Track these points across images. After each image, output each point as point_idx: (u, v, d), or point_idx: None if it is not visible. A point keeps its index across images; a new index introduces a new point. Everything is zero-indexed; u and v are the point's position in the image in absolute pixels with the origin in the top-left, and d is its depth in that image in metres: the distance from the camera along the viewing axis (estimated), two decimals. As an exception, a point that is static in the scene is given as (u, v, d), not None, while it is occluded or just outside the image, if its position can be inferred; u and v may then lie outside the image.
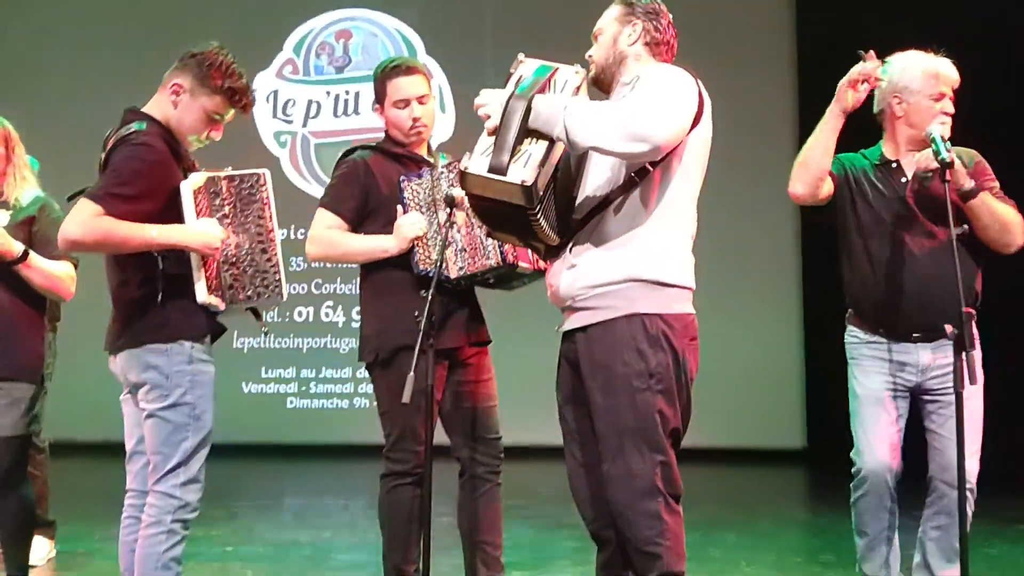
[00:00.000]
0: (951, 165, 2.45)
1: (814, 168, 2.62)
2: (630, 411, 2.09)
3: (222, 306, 2.32)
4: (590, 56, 2.27)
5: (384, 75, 2.78)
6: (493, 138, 2.06)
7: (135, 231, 2.24)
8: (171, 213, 2.30)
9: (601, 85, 2.26)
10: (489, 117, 2.09)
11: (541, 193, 2.06)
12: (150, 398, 2.30)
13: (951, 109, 2.65)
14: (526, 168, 2.03)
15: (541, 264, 2.59)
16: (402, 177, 2.72)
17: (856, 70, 2.59)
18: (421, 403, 2.41)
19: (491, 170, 2.04)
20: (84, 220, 2.20)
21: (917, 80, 2.62)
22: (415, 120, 2.75)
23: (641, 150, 2.01)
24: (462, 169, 2.10)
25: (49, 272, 2.74)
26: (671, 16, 2.28)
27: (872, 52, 2.59)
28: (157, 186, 2.28)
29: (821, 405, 6.12)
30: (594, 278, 2.14)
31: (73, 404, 5.58)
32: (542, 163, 2.05)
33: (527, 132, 2.05)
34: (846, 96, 2.59)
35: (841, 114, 2.61)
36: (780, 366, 6.43)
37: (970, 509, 2.52)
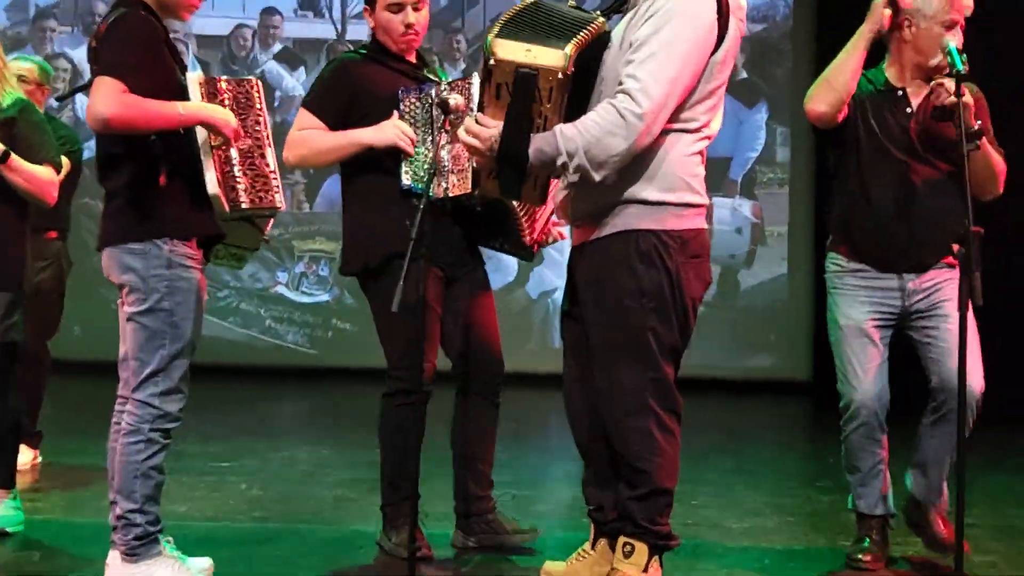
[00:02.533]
0: (967, 77, 2.36)
1: (840, 89, 2.53)
2: (621, 328, 2.06)
3: (226, 206, 2.25)
4: None
5: None
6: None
7: (164, 107, 2.16)
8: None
9: None
10: (478, 151, 2.03)
11: None
12: (129, 300, 2.26)
13: (960, 38, 2.52)
14: (536, 191, 2.12)
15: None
16: (401, 89, 2.61)
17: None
18: (419, 315, 2.35)
19: (504, 196, 2.19)
20: (112, 97, 2.08)
21: (932, 4, 2.50)
22: (408, 26, 2.62)
23: (646, 140, 1.99)
24: (471, 192, 2.29)
25: (31, 174, 2.68)
26: None
27: None
28: (161, 65, 2.20)
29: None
30: (592, 198, 2.09)
31: (86, 322, 5.61)
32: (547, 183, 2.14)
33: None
34: (881, 17, 2.51)
35: (872, 35, 2.52)
36: (789, 297, 6.33)
37: (971, 419, 2.48)
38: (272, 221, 2.53)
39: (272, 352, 6.44)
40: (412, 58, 2.72)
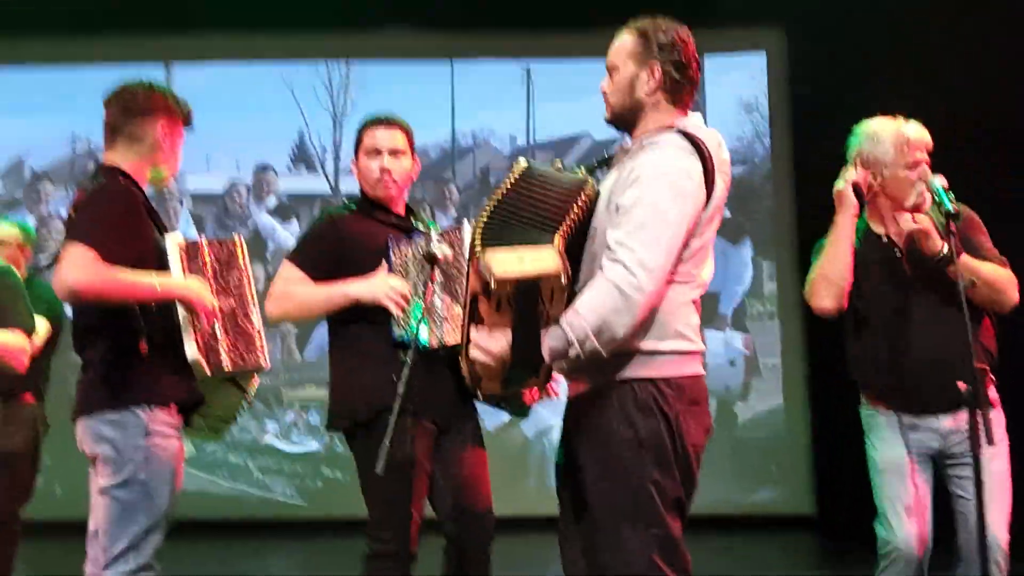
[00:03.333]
0: (958, 217, 2.39)
1: (838, 281, 2.58)
2: (622, 484, 1.98)
3: (208, 370, 2.19)
4: (605, 92, 2.13)
5: (363, 127, 2.73)
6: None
7: (137, 281, 2.12)
8: (148, 268, 2.21)
9: (619, 126, 2.14)
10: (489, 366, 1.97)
11: None
12: (103, 472, 2.19)
13: (929, 173, 2.58)
14: (541, 378, 2.03)
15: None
16: (390, 238, 2.63)
17: (849, 179, 2.57)
18: (406, 475, 2.27)
19: (509, 391, 2.09)
20: (84, 266, 2.03)
21: (889, 152, 2.56)
22: (383, 171, 2.66)
23: (648, 310, 1.96)
24: (479, 394, 2.10)
25: (2, 342, 2.66)
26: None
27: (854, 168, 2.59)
28: (140, 233, 2.21)
29: (831, 468, 5.90)
30: None
31: (69, 481, 5.44)
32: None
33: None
34: (850, 202, 2.56)
35: (851, 220, 2.57)
36: (787, 429, 6.22)
37: None
38: (257, 380, 2.49)
39: (260, 505, 6.24)
40: (401, 210, 2.76)
